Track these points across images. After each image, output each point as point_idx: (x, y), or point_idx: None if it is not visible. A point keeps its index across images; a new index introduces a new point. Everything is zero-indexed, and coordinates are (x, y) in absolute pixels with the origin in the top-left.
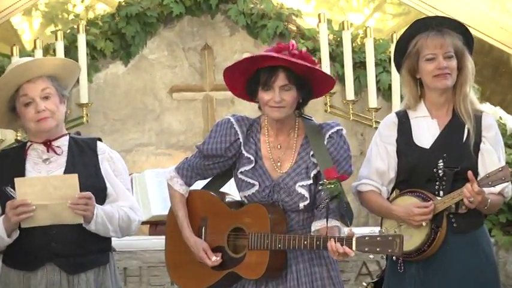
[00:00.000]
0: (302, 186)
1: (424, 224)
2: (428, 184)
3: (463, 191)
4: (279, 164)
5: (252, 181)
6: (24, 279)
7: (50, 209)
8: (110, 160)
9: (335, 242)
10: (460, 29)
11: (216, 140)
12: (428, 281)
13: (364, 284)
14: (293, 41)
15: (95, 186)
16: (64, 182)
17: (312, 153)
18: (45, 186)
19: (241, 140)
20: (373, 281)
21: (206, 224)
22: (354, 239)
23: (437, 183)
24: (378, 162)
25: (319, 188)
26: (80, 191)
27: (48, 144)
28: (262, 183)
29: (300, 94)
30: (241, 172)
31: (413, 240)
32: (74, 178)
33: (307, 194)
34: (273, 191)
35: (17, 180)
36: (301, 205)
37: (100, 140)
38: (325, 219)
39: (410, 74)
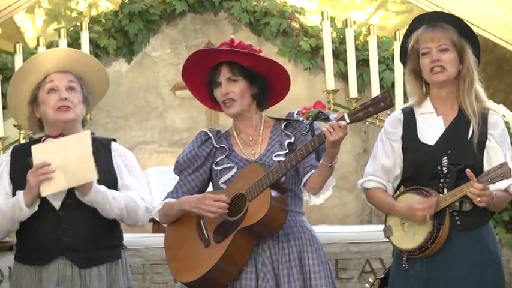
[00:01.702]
0: (278, 155)
1: (428, 218)
2: (433, 181)
3: (463, 188)
4: (253, 152)
5: (228, 165)
6: (36, 273)
7: (66, 169)
8: (122, 156)
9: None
10: (454, 21)
11: (189, 147)
12: (432, 278)
13: (371, 280)
14: (233, 37)
15: (106, 181)
16: (77, 140)
17: (284, 124)
18: (60, 148)
19: (212, 137)
20: (380, 277)
21: (203, 217)
22: (345, 114)
23: (441, 180)
24: (383, 159)
25: (292, 139)
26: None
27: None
28: (239, 166)
29: (254, 87)
30: (216, 163)
31: (416, 238)
32: (86, 134)
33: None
34: None
35: (33, 147)
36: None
37: (115, 140)
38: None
39: (413, 71)
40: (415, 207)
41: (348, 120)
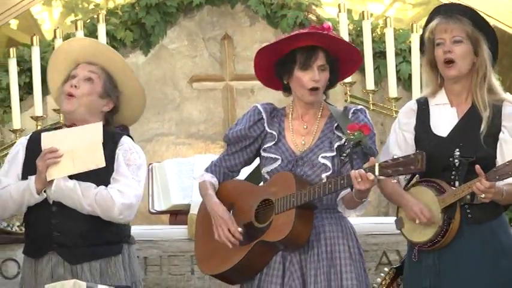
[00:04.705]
0: (325, 157)
1: (417, 222)
2: (444, 173)
3: (471, 184)
4: (302, 143)
5: (274, 156)
6: (33, 265)
7: (74, 155)
8: (126, 150)
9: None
10: (469, 14)
11: (241, 123)
12: (444, 272)
13: (386, 269)
14: (329, 23)
15: (99, 173)
16: (88, 130)
17: (336, 124)
18: (69, 135)
19: (264, 118)
20: (395, 266)
21: (233, 208)
22: (376, 165)
23: (453, 172)
24: (395, 150)
25: (344, 142)
26: (89, 174)
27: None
28: (285, 159)
29: (331, 75)
30: (264, 149)
31: (426, 231)
32: (98, 125)
33: (329, 164)
34: (295, 165)
35: (43, 134)
36: (324, 176)
37: (130, 136)
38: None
39: (429, 61)
40: (412, 208)
41: (377, 174)
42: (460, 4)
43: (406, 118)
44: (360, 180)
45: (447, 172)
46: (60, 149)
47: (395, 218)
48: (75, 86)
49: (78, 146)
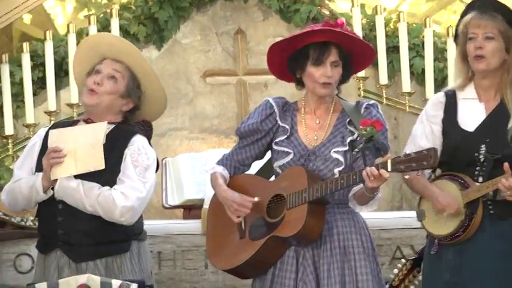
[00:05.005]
0: (337, 152)
1: (445, 214)
2: (469, 168)
3: (497, 181)
4: (315, 137)
5: (286, 149)
6: (43, 260)
7: (77, 156)
8: (136, 151)
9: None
10: (503, 11)
11: (253, 116)
12: (464, 267)
13: (403, 260)
14: (343, 19)
15: (105, 172)
16: (92, 130)
17: (348, 119)
18: (75, 135)
19: (276, 111)
20: (412, 258)
21: None
22: (388, 160)
23: (477, 168)
24: (422, 141)
25: (356, 137)
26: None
27: (88, 122)
28: (297, 153)
29: (344, 71)
30: (276, 143)
31: (448, 225)
32: (102, 125)
33: (342, 159)
34: (308, 159)
35: (51, 131)
36: (336, 171)
37: (144, 135)
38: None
39: (460, 54)
40: (438, 199)
41: (389, 170)
42: (495, 1)
43: (434, 110)
44: (372, 178)
45: (471, 167)
46: (65, 148)
47: (408, 212)
48: (98, 83)
49: (80, 146)
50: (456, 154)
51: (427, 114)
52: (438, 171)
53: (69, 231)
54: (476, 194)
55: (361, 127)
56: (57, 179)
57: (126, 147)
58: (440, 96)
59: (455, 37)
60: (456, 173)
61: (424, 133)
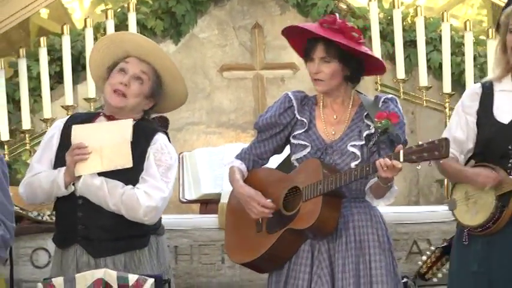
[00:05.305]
0: (354, 145)
1: (487, 188)
2: (502, 160)
3: None
4: (333, 132)
5: (304, 143)
6: (60, 255)
7: (103, 153)
8: (158, 150)
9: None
10: None
11: (271, 110)
12: (492, 259)
13: (432, 248)
14: (337, 15)
15: (128, 171)
16: (117, 127)
17: (366, 113)
18: (100, 131)
19: (295, 105)
20: (442, 245)
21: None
22: (401, 151)
23: (510, 160)
24: (457, 132)
25: (372, 129)
26: (119, 172)
27: (110, 119)
28: (315, 146)
29: (347, 69)
30: (293, 136)
31: (478, 216)
32: (128, 123)
33: (358, 153)
34: (325, 153)
35: (74, 127)
36: (353, 165)
37: (164, 132)
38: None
39: (501, 44)
40: (478, 172)
41: (401, 160)
42: None
43: (469, 101)
44: (385, 168)
45: (505, 159)
46: (89, 145)
47: (425, 207)
48: (126, 85)
49: (106, 144)
50: (490, 146)
51: (463, 105)
52: (472, 163)
53: (88, 227)
54: (509, 187)
55: (376, 120)
56: (79, 176)
57: (148, 145)
58: (477, 87)
59: (497, 27)
60: (489, 165)
61: (459, 124)
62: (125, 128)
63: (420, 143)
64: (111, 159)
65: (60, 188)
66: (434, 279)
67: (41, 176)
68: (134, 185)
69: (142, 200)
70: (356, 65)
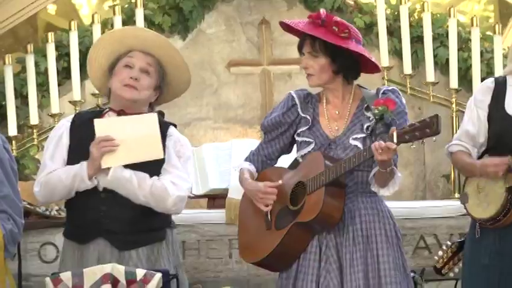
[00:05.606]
0: (356, 138)
1: (500, 174)
2: None
3: None
4: (336, 128)
5: (308, 139)
6: (77, 251)
7: (130, 145)
8: (176, 142)
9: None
10: None
11: (276, 110)
12: (504, 253)
13: (449, 243)
14: (323, 10)
15: (150, 165)
16: (144, 121)
17: (366, 105)
18: (124, 125)
19: (298, 103)
20: (459, 240)
21: None
22: (394, 132)
23: None
24: (469, 126)
25: (369, 115)
26: (140, 164)
27: (120, 114)
28: (319, 142)
29: (334, 62)
30: (298, 134)
31: (489, 208)
32: (154, 116)
33: (360, 145)
34: (329, 148)
35: (96, 121)
36: None
37: (175, 125)
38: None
39: None
40: (486, 163)
41: (395, 141)
42: None
43: (481, 95)
44: (380, 151)
45: None
46: (116, 138)
47: (431, 201)
48: (136, 79)
49: (134, 136)
50: (501, 140)
51: (475, 100)
52: (486, 157)
53: (113, 220)
54: None
55: (373, 107)
56: (103, 169)
57: (165, 138)
58: (489, 81)
59: None
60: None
61: (471, 118)
62: (150, 120)
63: (412, 122)
64: (141, 151)
65: (84, 181)
66: (451, 274)
67: (59, 172)
68: (158, 171)
69: (171, 190)
70: (344, 60)
